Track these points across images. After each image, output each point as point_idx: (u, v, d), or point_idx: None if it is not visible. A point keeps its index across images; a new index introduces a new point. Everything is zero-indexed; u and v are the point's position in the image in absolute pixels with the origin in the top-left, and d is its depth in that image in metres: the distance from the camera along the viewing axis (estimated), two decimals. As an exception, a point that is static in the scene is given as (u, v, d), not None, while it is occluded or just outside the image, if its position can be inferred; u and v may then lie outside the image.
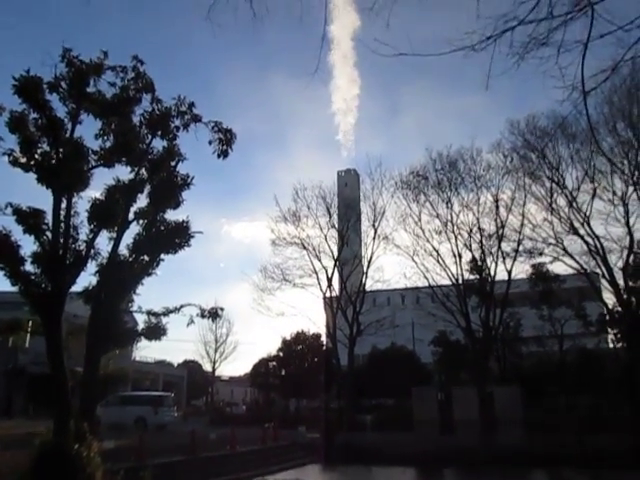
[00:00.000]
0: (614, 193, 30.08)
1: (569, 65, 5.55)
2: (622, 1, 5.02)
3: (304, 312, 41.89)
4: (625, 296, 29.84)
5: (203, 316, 13.18)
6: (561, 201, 31.84)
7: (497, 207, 34.27)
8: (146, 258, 12.83)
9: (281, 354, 50.48)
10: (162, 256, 13.01)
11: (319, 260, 39.97)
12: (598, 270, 31.13)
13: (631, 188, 29.48)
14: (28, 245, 11.22)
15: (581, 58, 5.21)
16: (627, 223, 29.70)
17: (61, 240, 11.30)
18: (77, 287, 12.04)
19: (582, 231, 30.78)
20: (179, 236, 13.01)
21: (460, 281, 35.21)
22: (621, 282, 30.03)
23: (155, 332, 13.14)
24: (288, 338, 50.26)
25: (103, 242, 12.32)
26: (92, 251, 12.07)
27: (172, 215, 13.14)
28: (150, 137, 12.76)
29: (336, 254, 40.05)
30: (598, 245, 30.33)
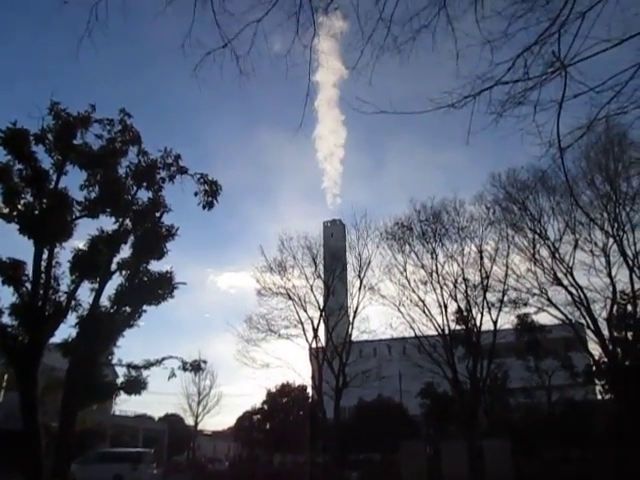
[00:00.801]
0: (595, 244, 30.41)
1: (546, 123, 5.70)
2: (594, 63, 5.20)
3: (289, 363, 41.33)
4: (610, 347, 29.76)
5: (185, 369, 12.91)
6: (544, 252, 32.11)
7: (481, 258, 34.48)
8: (128, 309, 12.64)
9: (266, 407, 49.31)
10: (144, 307, 12.83)
11: (305, 310, 39.64)
12: (583, 320, 31.11)
13: (611, 240, 29.85)
14: (6, 297, 11.02)
15: (557, 117, 5.35)
16: (609, 274, 29.90)
17: (41, 291, 11.12)
18: (56, 339, 11.79)
19: (566, 282, 30.91)
20: (162, 287, 12.87)
21: (446, 331, 34.98)
22: (606, 332, 29.97)
23: (135, 386, 12.81)
24: (273, 390, 49.26)
25: (84, 293, 12.18)
26: (73, 302, 11.88)
27: (156, 266, 13.06)
28: (135, 188, 12.81)
29: (322, 304, 39.75)
30: (582, 295, 30.42)
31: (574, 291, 30.59)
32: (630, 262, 29.02)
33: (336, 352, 39.20)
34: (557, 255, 31.28)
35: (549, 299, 31.84)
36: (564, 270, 30.98)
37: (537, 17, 5.41)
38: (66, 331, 16.05)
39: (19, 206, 11.40)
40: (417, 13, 5.67)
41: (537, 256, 32.10)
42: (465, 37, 5.77)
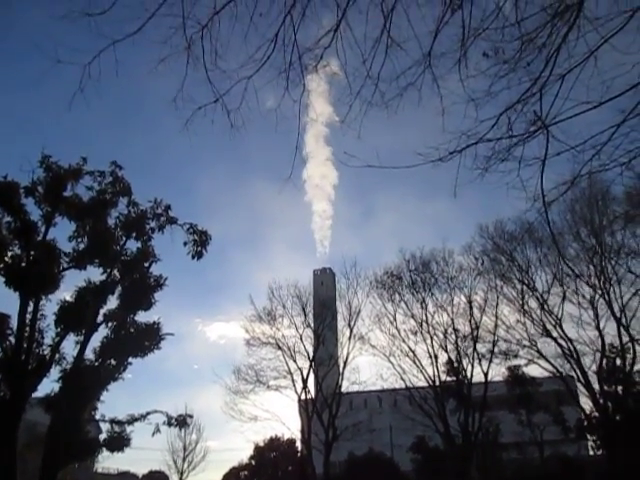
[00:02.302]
0: (583, 297, 30.44)
1: (530, 178, 5.78)
2: (575, 122, 5.33)
3: (278, 416, 40.11)
4: (601, 401, 29.35)
5: (170, 424, 12.53)
6: (533, 303, 32.07)
7: (471, 308, 34.37)
8: (113, 362, 12.35)
9: (253, 462, 47.68)
10: (130, 359, 12.54)
11: (294, 361, 39.01)
12: (573, 373, 30.80)
13: (598, 292, 29.86)
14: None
15: (540, 173, 5.43)
16: (597, 327, 29.76)
17: (25, 345, 10.85)
18: (39, 393, 11.43)
19: (555, 334, 30.75)
20: (149, 338, 12.63)
21: (437, 383, 34.47)
22: (596, 386, 29.61)
23: (118, 442, 12.36)
24: (261, 444, 47.72)
25: (69, 346, 11.90)
26: (57, 356, 11.59)
27: (143, 316, 12.85)
28: (125, 238, 12.77)
29: (311, 354, 39.16)
30: (571, 348, 30.19)
31: (564, 343, 30.42)
32: (617, 315, 29.00)
33: (326, 404, 38.37)
34: (546, 307, 31.24)
35: (539, 351, 31.62)
36: (553, 322, 30.88)
37: (519, 77, 5.58)
38: (49, 385, 15.58)
39: (6, 258, 11.27)
40: (403, 72, 5.84)
41: (526, 307, 32.06)
42: (450, 95, 5.92)
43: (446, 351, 34.70)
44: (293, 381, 38.79)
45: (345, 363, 38.79)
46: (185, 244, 12.66)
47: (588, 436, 33.58)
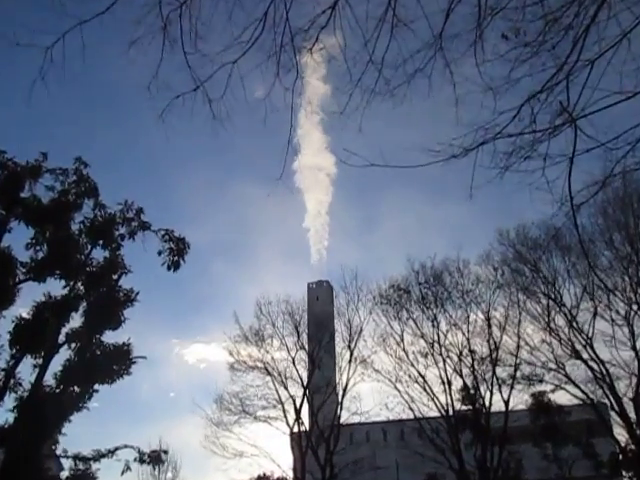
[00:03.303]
0: (617, 312, 30.38)
1: (557, 178, 5.78)
2: (606, 115, 5.35)
3: (267, 452, 39.85)
4: (638, 432, 29.34)
5: (142, 461, 12.47)
6: (560, 320, 32.06)
7: (489, 326, 34.39)
8: (77, 389, 12.29)
9: (238, 507, 47.45)
10: (97, 386, 12.50)
11: (285, 388, 38.89)
12: (606, 400, 30.78)
13: (634, 307, 29.78)
14: None
15: (568, 172, 5.45)
16: (634, 347, 29.70)
17: (-26, 369, 10.80)
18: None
19: (585, 355, 30.73)
20: (118, 362, 12.60)
21: (451, 413, 34.40)
22: (633, 415, 29.54)
23: (82, 482, 12.29)
24: (248, 484, 47.51)
25: (26, 370, 11.83)
26: (12, 381, 11.52)
27: (111, 337, 12.82)
28: (90, 247, 12.75)
29: (306, 380, 39.07)
30: (604, 371, 30.13)
31: (595, 366, 30.37)
32: (657, 333, 29.05)
33: (322, 438, 38.21)
34: (575, 324, 31.23)
35: (567, 375, 31.61)
36: (583, 341, 30.85)
37: (543, 62, 5.58)
38: (3, 416, 15.50)
39: (-48, 268, 11.23)
40: (411, 55, 5.85)
41: (552, 325, 32.07)
42: (465, 82, 5.95)
43: (461, 376, 34.69)
44: (284, 411, 38.70)
45: (344, 390, 38.76)
46: (160, 253, 12.66)
47: (623, 472, 33.51)
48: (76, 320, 12.64)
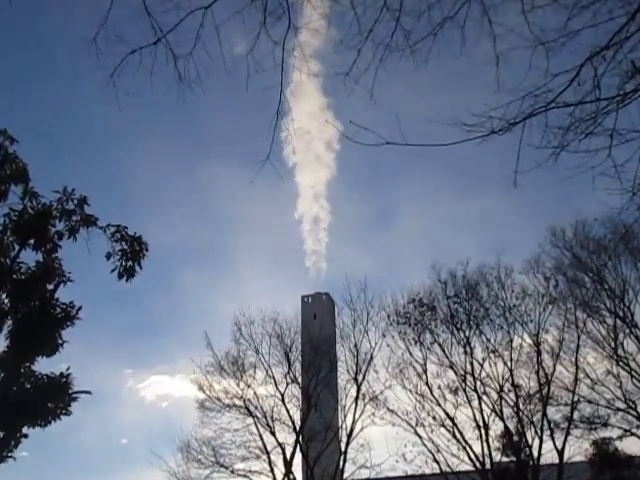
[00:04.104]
0: None
1: (628, 160, 5.78)
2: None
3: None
4: None
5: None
6: (630, 346, 32.11)
7: (539, 353, 34.41)
8: (0, 434, 12.29)
9: None
10: (25, 429, 12.49)
11: (272, 433, 38.87)
12: (693, 448, 30.89)
13: None
14: None
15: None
16: None
17: None
18: None
19: (664, 391, 30.85)
20: (54, 398, 12.58)
21: (488, 465, 34.44)
22: None
23: None
24: None
25: None
26: None
27: (45, 365, 12.80)
28: (18, 248, 12.71)
29: (298, 424, 39.09)
30: (689, 411, 30.31)
31: (677, 405, 30.49)
32: None
33: (320, 499, 38.35)
34: (650, 350, 31.30)
35: (640, 416, 31.67)
36: (661, 373, 30.95)
37: (609, 9, 5.55)
38: None
39: None
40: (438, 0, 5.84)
41: (620, 352, 32.10)
42: (508, 35, 5.93)
43: (501, 418, 34.69)
44: (271, 464, 38.67)
45: (350, 437, 38.73)
46: (109, 256, 12.62)
47: None
48: (-1, 343, 12.61)
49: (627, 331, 32.16)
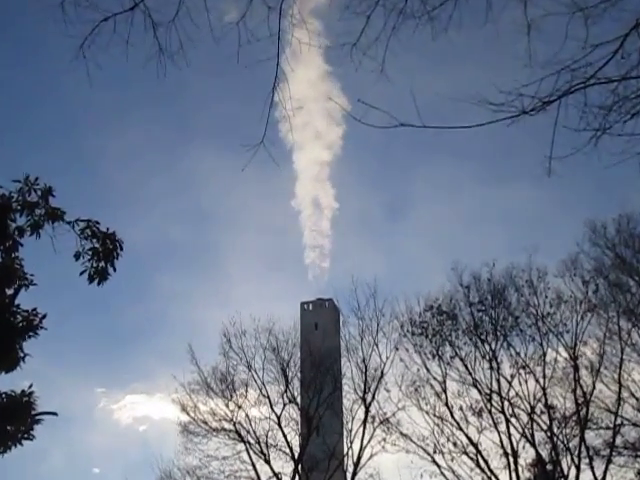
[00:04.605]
0: None
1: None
2: None
3: None
4: None
5: None
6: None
7: (576, 369, 34.39)
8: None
9: None
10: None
11: (267, 461, 38.91)
12: None
13: None
14: None
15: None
16: None
17: None
18: None
19: None
20: (15, 420, 12.62)
21: (517, 498, 34.55)
22: None
23: None
24: None
25: None
26: None
27: (4, 382, 12.82)
28: (-29, 246, 12.72)
29: (297, 450, 39.12)
30: None
31: None
32: None
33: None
34: None
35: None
36: None
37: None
38: None
39: None
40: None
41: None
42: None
43: (533, 444, 34.71)
44: (265, 497, 38.76)
45: (357, 465, 38.77)
46: (78, 257, 12.62)
47: None
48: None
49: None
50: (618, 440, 33.70)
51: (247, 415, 39.50)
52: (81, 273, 12.40)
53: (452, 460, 35.68)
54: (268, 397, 39.63)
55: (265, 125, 6.34)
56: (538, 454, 34.73)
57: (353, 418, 40.31)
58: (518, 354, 35.59)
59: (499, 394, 35.23)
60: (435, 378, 36.49)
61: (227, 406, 39.53)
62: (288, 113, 6.86)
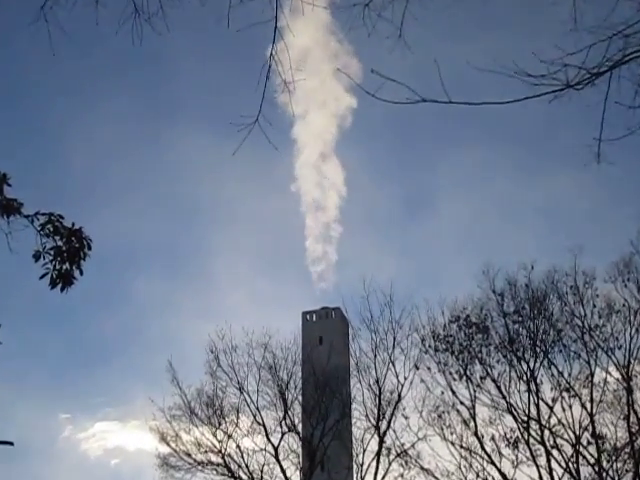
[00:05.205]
0: None
1: None
2: None
3: None
4: None
5: None
6: None
7: (629, 391, 34.36)
8: None
9: None
10: None
11: (263, 502, 39.01)
12: None
13: None
14: None
15: None
16: None
17: None
18: None
19: None
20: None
21: None
22: None
23: None
24: None
25: None
26: None
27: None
28: None
29: (299, 489, 39.19)
30: None
31: None
32: None
33: None
34: None
35: None
36: None
37: None
38: None
39: None
40: None
41: None
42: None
43: (578, 480, 34.74)
44: None
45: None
46: (38, 257, 12.59)
47: None
48: None
49: None
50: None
51: (238, 446, 39.53)
52: (41, 277, 12.39)
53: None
54: (263, 425, 39.66)
55: (261, 100, 6.33)
56: (585, 493, 34.79)
57: (365, 450, 40.30)
58: (561, 374, 35.56)
59: (538, 421, 35.20)
60: (462, 403, 36.48)
61: (215, 435, 39.52)
62: (288, 87, 6.84)
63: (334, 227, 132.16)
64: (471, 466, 36.01)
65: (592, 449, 34.76)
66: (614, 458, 34.64)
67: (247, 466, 39.27)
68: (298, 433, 39.98)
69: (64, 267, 12.65)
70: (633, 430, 34.20)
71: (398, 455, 38.42)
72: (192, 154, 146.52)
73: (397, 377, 39.22)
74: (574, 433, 34.87)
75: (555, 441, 35.10)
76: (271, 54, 6.18)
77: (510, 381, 35.93)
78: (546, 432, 35.17)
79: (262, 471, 39.19)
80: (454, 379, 36.77)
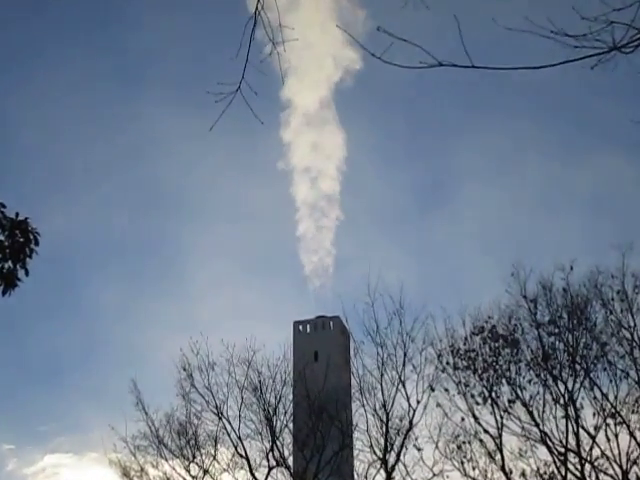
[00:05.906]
0: None
1: None
2: None
3: None
4: None
5: None
6: None
7: (687, 417, 34.58)
8: None
9: None
10: None
11: None
12: None
13: None
14: None
15: None
16: None
17: None
18: None
19: None
20: None
21: None
22: None
23: None
24: None
25: None
26: None
27: None
28: None
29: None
30: None
31: None
32: None
33: None
34: None
35: None
36: None
37: None
38: None
39: None
40: None
41: None
42: None
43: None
44: None
45: None
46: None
47: None
48: None
49: None
50: None
51: (217, 482, 39.61)
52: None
53: None
54: (247, 458, 39.78)
55: (244, 63, 6.34)
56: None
57: (368, 482, 40.39)
58: (605, 397, 35.69)
59: (578, 454, 35.34)
60: (487, 431, 36.64)
61: (188, 470, 39.67)
62: (276, 47, 6.82)
63: (332, 217, 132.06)
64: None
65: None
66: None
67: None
68: (288, 467, 40.08)
69: (6, 266, 12.73)
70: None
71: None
72: (163, 133, 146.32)
73: (408, 400, 39.43)
74: (620, 467, 35.07)
75: (598, 477, 35.26)
76: (256, 9, 6.19)
77: (544, 405, 36.09)
78: (587, 466, 35.34)
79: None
80: (477, 403, 36.95)
